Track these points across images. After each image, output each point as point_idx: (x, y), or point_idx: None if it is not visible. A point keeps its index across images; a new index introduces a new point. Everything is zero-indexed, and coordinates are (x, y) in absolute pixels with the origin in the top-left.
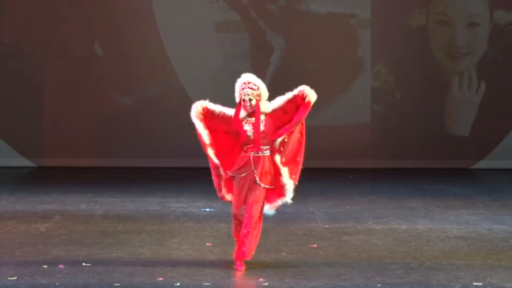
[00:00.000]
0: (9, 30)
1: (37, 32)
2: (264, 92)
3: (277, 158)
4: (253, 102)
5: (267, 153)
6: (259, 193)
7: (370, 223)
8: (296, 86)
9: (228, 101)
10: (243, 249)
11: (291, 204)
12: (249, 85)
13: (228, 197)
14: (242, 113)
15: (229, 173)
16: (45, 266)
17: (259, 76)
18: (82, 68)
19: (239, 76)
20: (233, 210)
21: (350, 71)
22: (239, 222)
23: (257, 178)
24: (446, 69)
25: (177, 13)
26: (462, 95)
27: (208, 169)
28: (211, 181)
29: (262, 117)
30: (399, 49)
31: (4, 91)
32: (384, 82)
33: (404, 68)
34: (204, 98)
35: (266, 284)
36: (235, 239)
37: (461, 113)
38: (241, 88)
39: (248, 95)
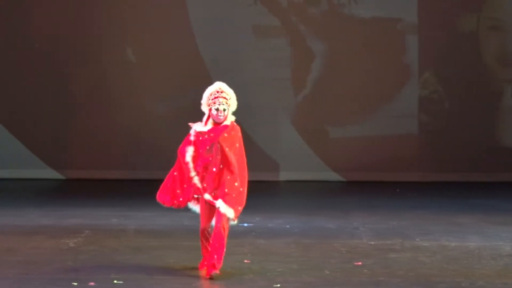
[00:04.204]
0: (40, 37)
1: (66, 38)
2: (234, 103)
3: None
4: (226, 113)
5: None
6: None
7: (418, 239)
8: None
9: (266, 109)
10: (213, 261)
11: (334, 219)
12: (222, 94)
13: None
14: (199, 126)
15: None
16: (75, 284)
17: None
18: (113, 76)
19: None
20: (204, 227)
21: (396, 79)
22: (206, 238)
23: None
24: (498, 77)
25: (213, 17)
26: None
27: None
28: (250, 194)
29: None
30: (448, 55)
31: (33, 101)
32: (432, 91)
33: (453, 76)
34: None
35: None
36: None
37: None
38: (214, 96)
39: (223, 104)
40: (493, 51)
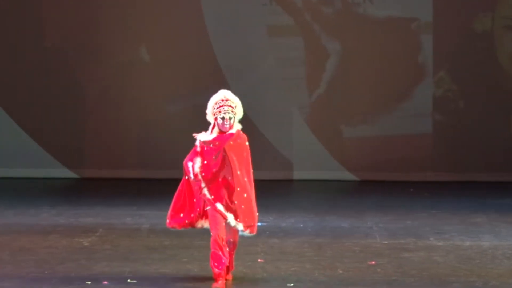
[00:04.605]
0: (52, 36)
1: (80, 37)
2: (240, 111)
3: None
4: (233, 121)
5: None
6: None
7: (431, 239)
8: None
9: (280, 108)
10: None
11: (348, 219)
12: (228, 102)
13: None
14: (204, 136)
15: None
16: (88, 283)
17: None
18: (127, 75)
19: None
20: (219, 235)
21: (410, 78)
22: (223, 245)
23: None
24: None
25: (228, 17)
26: None
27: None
28: (264, 193)
29: None
30: (462, 55)
31: (47, 100)
32: (446, 90)
33: (468, 75)
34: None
35: None
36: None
37: None
38: (219, 105)
39: (228, 112)
40: (508, 50)
